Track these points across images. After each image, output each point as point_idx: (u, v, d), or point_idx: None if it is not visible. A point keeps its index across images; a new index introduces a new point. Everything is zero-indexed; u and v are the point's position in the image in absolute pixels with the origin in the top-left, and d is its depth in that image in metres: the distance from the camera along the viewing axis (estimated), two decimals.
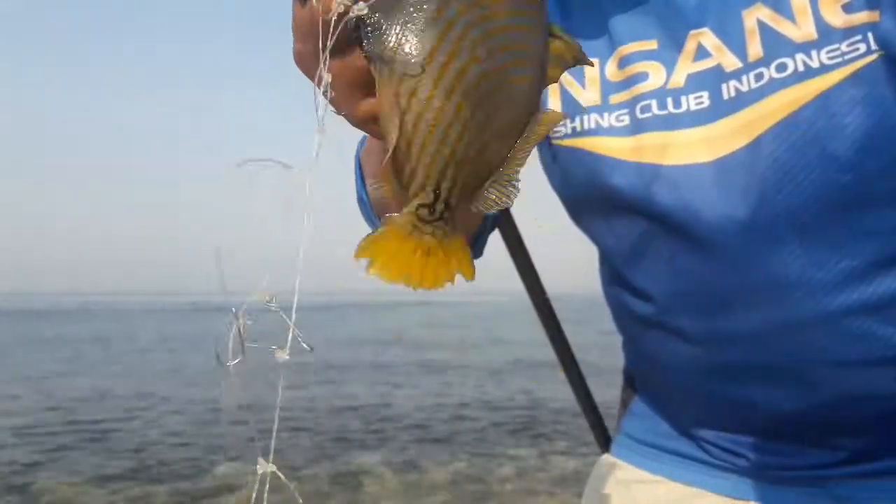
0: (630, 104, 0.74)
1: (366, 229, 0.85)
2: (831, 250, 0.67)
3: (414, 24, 0.32)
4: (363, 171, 0.76)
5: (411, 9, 0.32)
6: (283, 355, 0.33)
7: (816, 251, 0.68)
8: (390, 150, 0.35)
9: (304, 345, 0.33)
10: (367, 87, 0.39)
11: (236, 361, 0.33)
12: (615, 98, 0.75)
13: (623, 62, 0.74)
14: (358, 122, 0.42)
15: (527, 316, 1.13)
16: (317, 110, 0.35)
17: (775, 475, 0.82)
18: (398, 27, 0.32)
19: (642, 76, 0.73)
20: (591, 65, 0.39)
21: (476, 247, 0.83)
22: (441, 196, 0.35)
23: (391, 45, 0.33)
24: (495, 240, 0.91)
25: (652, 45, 0.73)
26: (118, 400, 8.81)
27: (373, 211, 0.79)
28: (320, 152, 0.34)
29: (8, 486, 5.09)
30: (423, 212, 0.36)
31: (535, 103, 0.36)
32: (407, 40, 0.32)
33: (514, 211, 0.98)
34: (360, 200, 0.81)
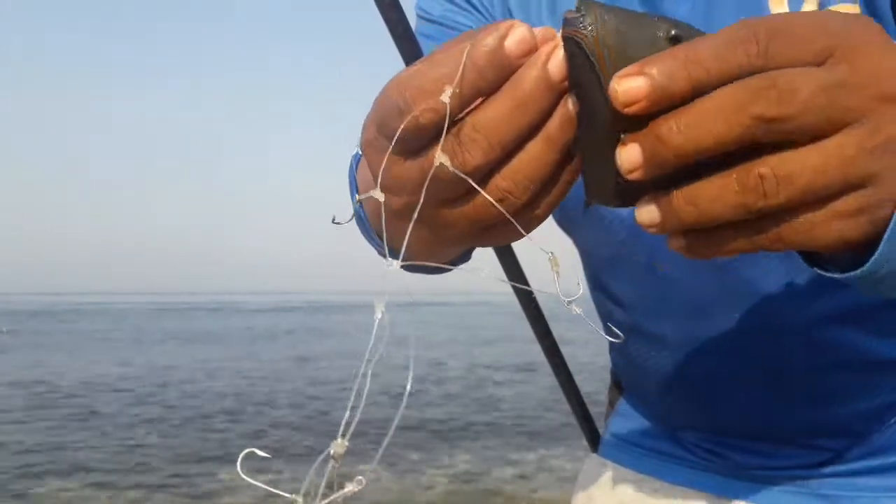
0: None
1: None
2: None
3: None
4: (359, 188, 0.76)
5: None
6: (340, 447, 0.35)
7: (795, 258, 0.68)
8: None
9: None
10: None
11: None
12: None
13: None
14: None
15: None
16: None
17: (760, 475, 0.83)
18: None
19: None
20: None
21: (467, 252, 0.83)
22: None
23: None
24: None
25: None
26: None
27: (372, 228, 0.79)
28: None
29: None
30: None
31: None
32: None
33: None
34: (357, 217, 0.81)
